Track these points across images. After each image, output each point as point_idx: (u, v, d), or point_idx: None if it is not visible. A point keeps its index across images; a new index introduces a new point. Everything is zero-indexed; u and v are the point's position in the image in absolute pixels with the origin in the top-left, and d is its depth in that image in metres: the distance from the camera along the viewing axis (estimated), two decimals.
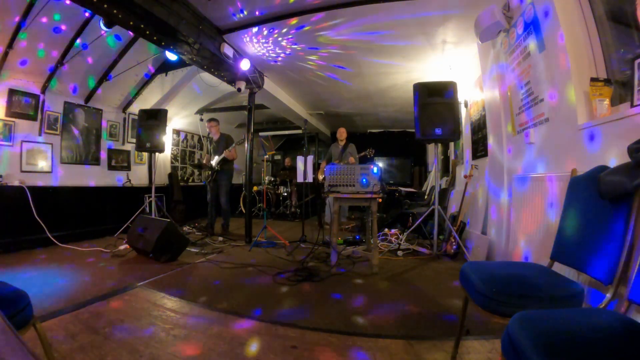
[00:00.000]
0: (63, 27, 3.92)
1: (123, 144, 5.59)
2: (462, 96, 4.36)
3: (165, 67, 5.29)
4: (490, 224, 3.25)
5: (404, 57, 4.34)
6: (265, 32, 3.86)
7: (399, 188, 6.02)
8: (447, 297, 2.34)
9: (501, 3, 2.78)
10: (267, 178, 7.24)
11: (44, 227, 3.79)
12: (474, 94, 4.18)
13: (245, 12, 3.53)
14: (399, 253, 3.61)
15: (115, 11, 2.89)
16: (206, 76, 4.90)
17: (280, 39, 3.98)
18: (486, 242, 3.17)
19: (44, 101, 4.34)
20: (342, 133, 5.21)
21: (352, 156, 4.96)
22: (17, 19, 3.53)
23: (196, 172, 7.49)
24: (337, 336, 1.73)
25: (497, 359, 1.50)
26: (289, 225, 6.00)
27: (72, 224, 4.25)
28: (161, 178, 6.29)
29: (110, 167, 5.38)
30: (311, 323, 1.91)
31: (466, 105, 4.55)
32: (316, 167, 5.68)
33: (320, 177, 5.07)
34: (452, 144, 5.52)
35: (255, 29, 3.80)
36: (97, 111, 5.13)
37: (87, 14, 3.88)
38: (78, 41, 4.10)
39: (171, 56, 4.40)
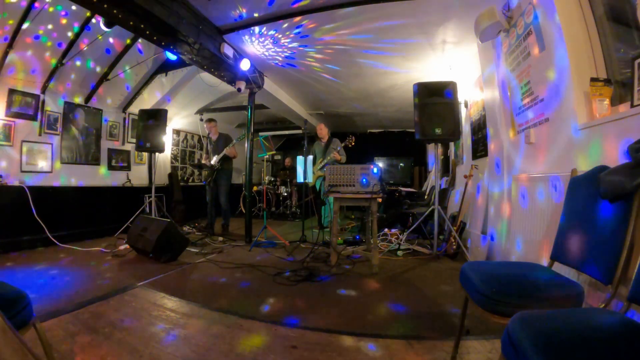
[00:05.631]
0: (64, 28, 3.92)
1: (123, 144, 5.59)
2: (462, 96, 4.36)
3: (165, 67, 5.29)
4: (490, 224, 3.25)
5: (404, 57, 4.34)
6: (265, 32, 3.86)
7: (399, 188, 6.02)
8: (447, 297, 2.34)
9: (501, 3, 2.77)
10: (267, 178, 7.24)
11: (44, 227, 3.79)
12: (474, 94, 4.18)
13: (245, 12, 3.53)
14: (399, 253, 3.61)
15: (115, 11, 2.89)
16: (206, 76, 4.90)
17: (280, 39, 3.98)
18: (486, 242, 3.17)
19: (44, 101, 4.34)
20: (321, 130, 4.96)
21: (336, 151, 4.68)
22: (17, 19, 3.53)
23: (196, 172, 7.50)
24: (337, 336, 1.73)
25: (497, 359, 1.50)
26: (289, 225, 6.01)
27: (72, 224, 4.25)
28: (161, 178, 6.29)
29: (110, 167, 5.38)
30: (311, 323, 1.91)
31: (466, 105, 4.55)
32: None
33: (312, 181, 4.85)
34: (452, 144, 5.52)
35: (255, 29, 3.80)
36: (97, 111, 5.13)
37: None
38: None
39: (171, 56, 4.40)
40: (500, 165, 3.08)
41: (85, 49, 4.24)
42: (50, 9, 3.64)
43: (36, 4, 3.49)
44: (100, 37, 4.17)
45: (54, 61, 4.15)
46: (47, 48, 4.01)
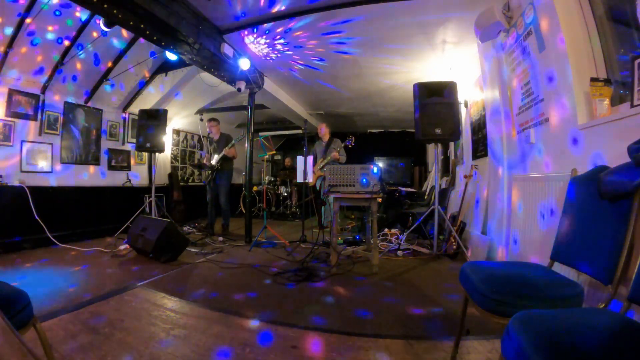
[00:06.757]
0: (64, 28, 3.92)
1: (123, 144, 5.59)
2: (462, 96, 4.36)
3: (165, 67, 5.28)
4: (490, 224, 3.25)
5: (404, 57, 4.34)
6: (265, 32, 3.86)
7: (399, 188, 6.02)
8: (447, 297, 2.34)
9: (501, 3, 2.77)
10: (267, 178, 7.24)
11: (44, 227, 3.79)
12: (474, 94, 4.18)
13: (245, 12, 3.53)
14: (399, 253, 3.61)
15: (115, 11, 2.89)
16: (206, 76, 4.90)
17: (280, 38, 3.98)
18: (486, 242, 3.17)
19: (44, 101, 4.33)
20: (322, 129, 5.02)
21: (336, 151, 4.71)
22: (17, 18, 3.53)
23: (196, 172, 7.50)
24: (337, 336, 1.73)
25: (497, 359, 1.50)
26: (289, 225, 6.01)
27: (72, 224, 4.25)
28: (161, 178, 6.29)
29: (110, 167, 5.38)
30: (311, 323, 1.91)
31: (466, 105, 4.55)
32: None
33: (312, 181, 4.84)
34: (452, 144, 5.52)
35: (255, 29, 3.80)
36: (97, 111, 5.13)
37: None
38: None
39: (171, 56, 4.40)
40: (500, 165, 3.08)
41: (85, 48, 4.24)
42: (50, 8, 3.63)
43: (36, 3, 3.48)
44: (100, 37, 4.16)
45: (54, 61, 4.15)
46: (47, 48, 4.00)
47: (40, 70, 4.15)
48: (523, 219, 2.40)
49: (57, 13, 3.73)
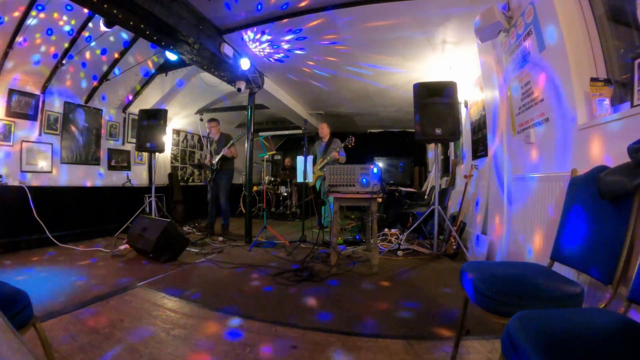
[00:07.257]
0: (64, 28, 3.92)
1: (123, 144, 5.59)
2: (462, 96, 4.35)
3: (165, 67, 5.29)
4: (490, 223, 3.25)
5: (404, 57, 4.34)
6: (265, 32, 3.86)
7: (399, 188, 6.02)
8: (447, 297, 2.34)
9: (501, 3, 2.77)
10: (267, 178, 7.24)
11: (44, 227, 3.79)
12: (474, 94, 4.18)
13: (244, 12, 3.53)
14: (399, 253, 3.61)
15: (115, 11, 2.89)
16: (206, 76, 4.90)
17: (280, 39, 3.98)
18: (486, 242, 3.17)
19: (44, 101, 4.34)
20: (322, 129, 5.00)
21: (335, 151, 4.68)
22: (17, 18, 3.53)
23: (196, 172, 7.50)
24: (337, 336, 1.73)
25: (497, 359, 1.50)
26: (289, 225, 6.01)
27: (72, 224, 4.24)
28: (161, 178, 6.29)
29: (110, 167, 5.38)
30: (311, 323, 1.91)
31: (466, 105, 4.55)
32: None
33: (312, 180, 4.81)
34: (452, 144, 5.52)
35: (255, 29, 3.80)
36: (97, 111, 5.13)
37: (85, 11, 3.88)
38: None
39: (171, 56, 4.40)
40: (500, 165, 3.08)
41: (85, 48, 4.25)
42: (50, 8, 3.63)
43: (37, 3, 3.48)
44: (100, 37, 4.16)
45: (54, 61, 4.15)
46: (47, 48, 4.00)
47: (40, 70, 4.14)
48: (523, 219, 2.40)
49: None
